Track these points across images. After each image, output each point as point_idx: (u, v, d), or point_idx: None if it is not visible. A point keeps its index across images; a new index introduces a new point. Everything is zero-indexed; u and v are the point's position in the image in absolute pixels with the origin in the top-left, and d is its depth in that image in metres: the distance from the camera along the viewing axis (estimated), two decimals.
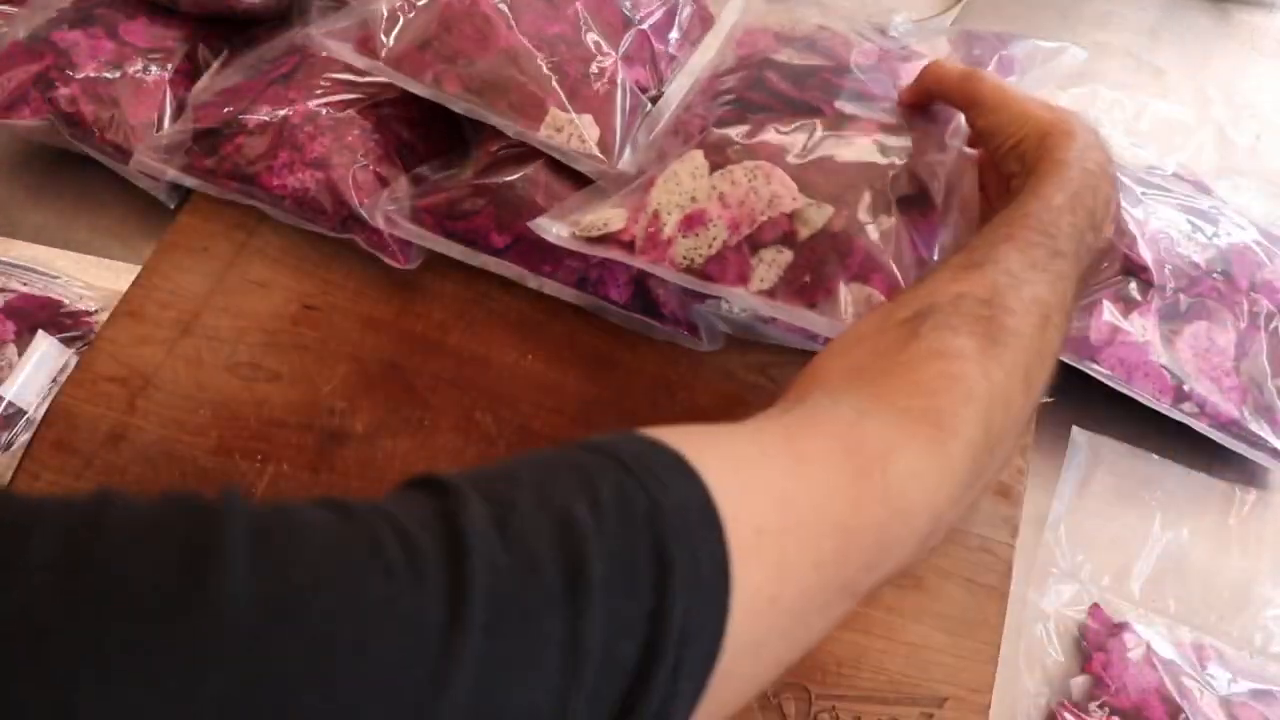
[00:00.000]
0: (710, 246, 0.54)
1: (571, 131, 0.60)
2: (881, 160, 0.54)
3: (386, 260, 0.64)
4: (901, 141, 0.55)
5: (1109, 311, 0.60)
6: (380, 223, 0.62)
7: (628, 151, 0.61)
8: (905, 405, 0.35)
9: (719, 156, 0.55)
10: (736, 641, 0.28)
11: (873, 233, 0.52)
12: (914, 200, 0.53)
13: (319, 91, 0.67)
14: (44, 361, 0.65)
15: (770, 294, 0.53)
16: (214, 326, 0.65)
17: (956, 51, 0.61)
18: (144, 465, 0.60)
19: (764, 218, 0.53)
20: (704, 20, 0.67)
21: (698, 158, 0.56)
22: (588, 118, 0.60)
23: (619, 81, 0.62)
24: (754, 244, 0.53)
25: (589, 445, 0.31)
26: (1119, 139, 0.77)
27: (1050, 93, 0.70)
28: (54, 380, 0.65)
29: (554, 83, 0.61)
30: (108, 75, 0.69)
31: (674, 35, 0.67)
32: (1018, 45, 0.60)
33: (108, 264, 0.72)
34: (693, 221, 0.54)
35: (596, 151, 0.60)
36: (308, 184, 0.64)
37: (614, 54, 0.63)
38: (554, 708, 0.25)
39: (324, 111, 0.66)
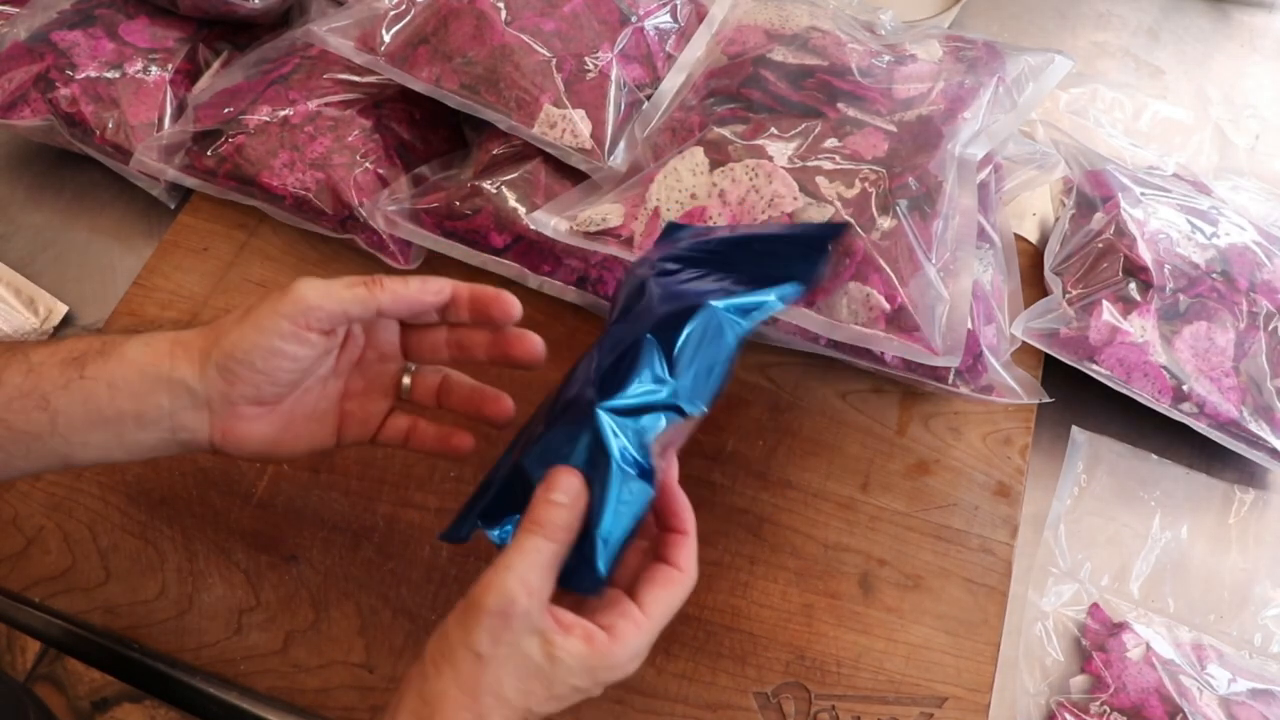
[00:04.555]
0: None
1: (565, 127, 0.60)
2: (881, 162, 0.54)
3: (386, 260, 0.64)
4: (901, 145, 0.55)
5: (1108, 311, 0.60)
6: (380, 223, 0.62)
7: (621, 147, 0.61)
8: None
9: (719, 154, 0.55)
10: None
11: (873, 233, 0.52)
12: (914, 202, 0.53)
13: (319, 92, 0.67)
14: None
15: None
16: None
17: (947, 54, 0.61)
18: (144, 464, 0.60)
19: (764, 216, 0.53)
20: (701, 19, 0.67)
21: (698, 154, 0.56)
22: (581, 113, 0.60)
23: (614, 77, 0.62)
24: None
25: None
26: (1119, 139, 0.77)
27: (1050, 94, 0.70)
28: None
29: (549, 79, 0.61)
30: (108, 75, 0.69)
31: (672, 33, 0.67)
32: (1007, 59, 0.60)
33: None
34: (692, 218, 0.54)
35: (589, 146, 0.60)
36: (308, 184, 0.64)
37: (610, 51, 0.63)
38: None
39: (324, 112, 0.66)
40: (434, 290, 0.44)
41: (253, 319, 0.42)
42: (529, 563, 0.37)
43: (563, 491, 0.38)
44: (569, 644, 0.38)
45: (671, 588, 0.40)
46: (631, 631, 0.39)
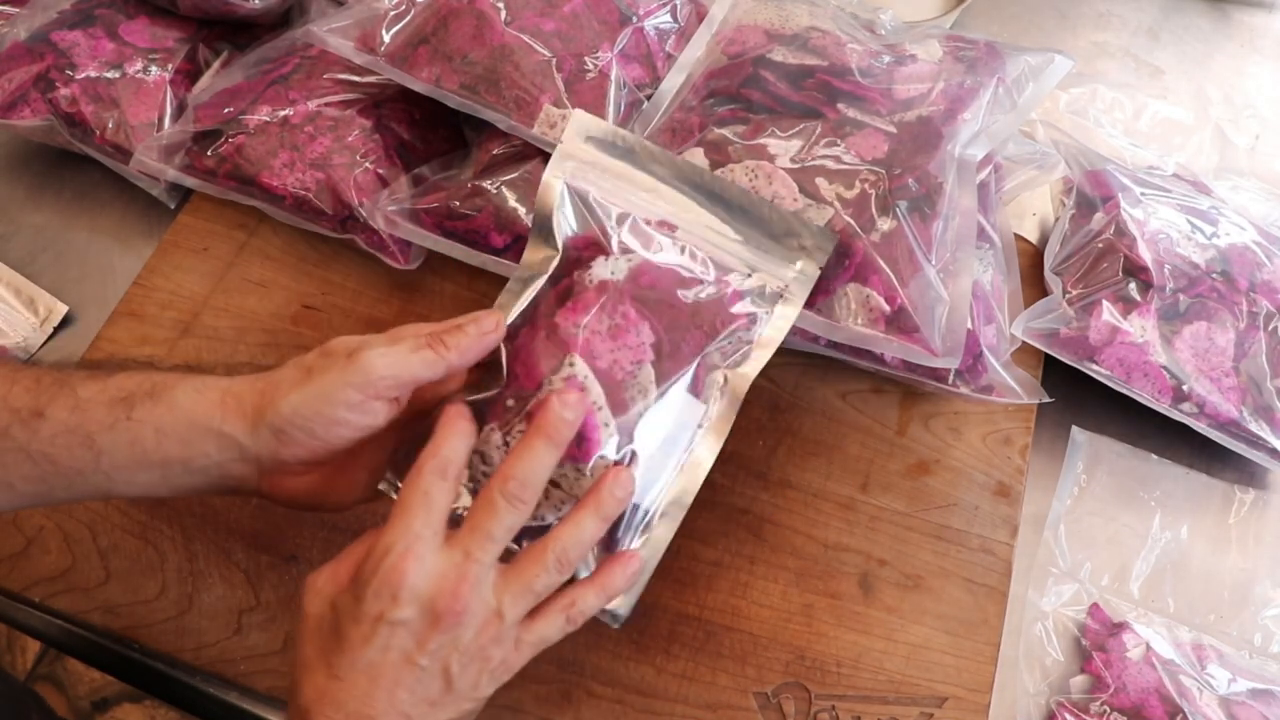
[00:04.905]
0: None
1: (565, 127, 0.60)
2: (881, 163, 0.54)
3: (386, 260, 0.64)
4: (901, 146, 0.55)
5: (1108, 311, 0.60)
6: (380, 223, 0.62)
7: None
8: None
9: (719, 155, 0.55)
10: None
11: (873, 235, 0.52)
12: (914, 203, 0.53)
13: (319, 92, 0.67)
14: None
15: None
16: (214, 327, 0.65)
17: (947, 54, 0.61)
18: None
19: None
20: (701, 19, 0.67)
21: (698, 155, 0.56)
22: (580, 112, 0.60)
23: (614, 77, 0.62)
24: None
25: None
26: (1118, 139, 0.77)
27: (1050, 94, 0.70)
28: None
29: (549, 79, 0.61)
30: (108, 75, 0.69)
31: (672, 33, 0.67)
32: (1007, 59, 0.60)
33: None
34: None
35: None
36: (308, 184, 0.64)
37: (610, 51, 0.63)
38: None
39: (324, 112, 0.66)
40: (490, 327, 0.44)
41: (317, 387, 0.41)
42: None
43: None
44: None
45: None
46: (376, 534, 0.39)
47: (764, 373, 0.64)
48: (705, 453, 0.46)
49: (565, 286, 0.45)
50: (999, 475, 0.60)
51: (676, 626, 0.56)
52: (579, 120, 0.47)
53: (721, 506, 0.59)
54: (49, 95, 0.68)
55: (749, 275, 0.47)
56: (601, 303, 0.44)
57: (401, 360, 0.41)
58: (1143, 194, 0.66)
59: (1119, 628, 0.57)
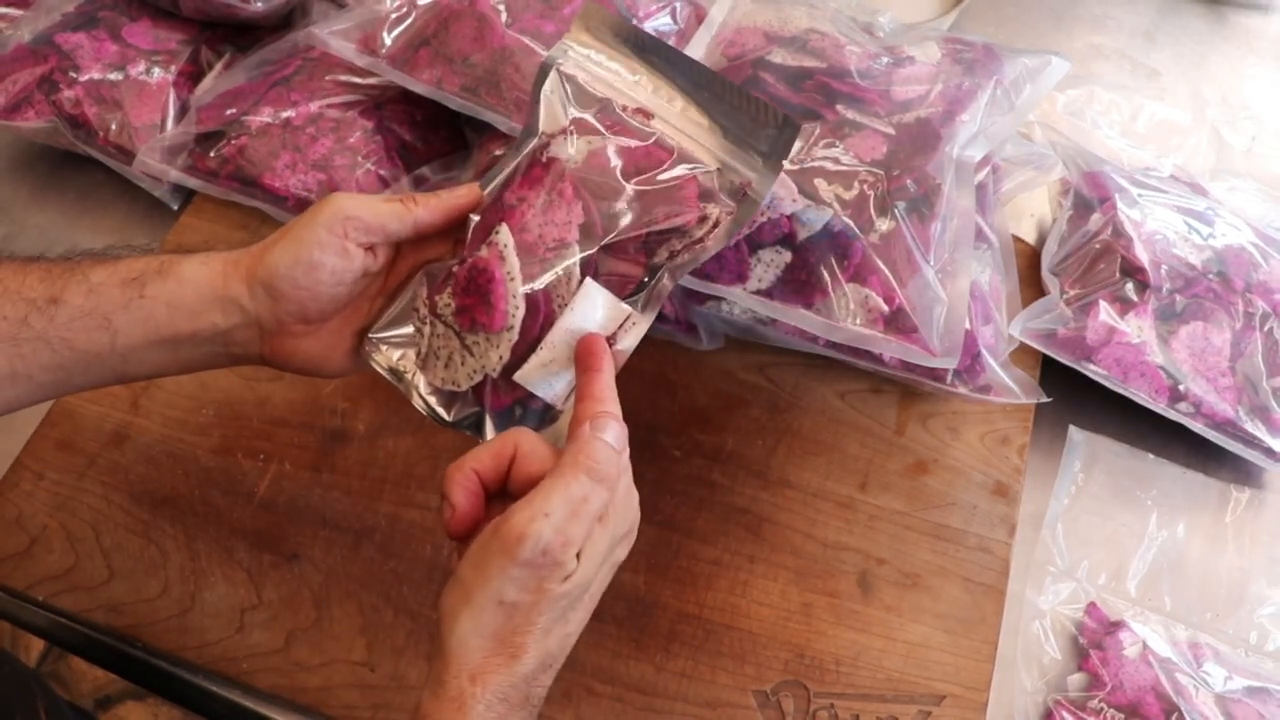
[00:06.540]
0: None
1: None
2: (880, 164, 0.55)
3: None
4: (899, 147, 0.55)
5: (1105, 312, 0.61)
6: None
7: None
8: None
9: None
10: None
11: (871, 235, 0.52)
12: (912, 204, 0.54)
13: (321, 93, 0.67)
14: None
15: (768, 294, 0.53)
16: None
17: (946, 56, 0.62)
18: (147, 464, 0.61)
19: (764, 218, 0.53)
20: (701, 21, 0.68)
21: None
22: None
23: None
24: (753, 244, 0.53)
25: None
26: (1116, 140, 0.77)
27: (1047, 96, 0.70)
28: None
29: None
30: (111, 77, 0.69)
31: (671, 34, 0.67)
32: (1005, 61, 0.61)
33: None
34: None
35: None
36: (310, 185, 0.64)
37: None
38: None
39: (326, 113, 0.66)
40: (463, 194, 0.46)
41: (293, 233, 0.43)
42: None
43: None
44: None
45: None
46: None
47: (763, 372, 0.64)
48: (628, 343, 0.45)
49: (529, 163, 0.45)
50: (997, 475, 0.61)
51: (676, 625, 0.56)
52: (588, 9, 0.47)
53: (721, 506, 0.59)
54: (53, 97, 0.68)
55: (715, 170, 0.45)
56: (546, 179, 0.44)
57: (369, 204, 0.43)
58: (1140, 195, 0.66)
59: (1116, 626, 0.57)
